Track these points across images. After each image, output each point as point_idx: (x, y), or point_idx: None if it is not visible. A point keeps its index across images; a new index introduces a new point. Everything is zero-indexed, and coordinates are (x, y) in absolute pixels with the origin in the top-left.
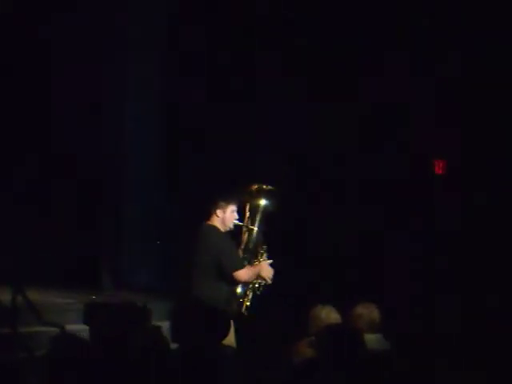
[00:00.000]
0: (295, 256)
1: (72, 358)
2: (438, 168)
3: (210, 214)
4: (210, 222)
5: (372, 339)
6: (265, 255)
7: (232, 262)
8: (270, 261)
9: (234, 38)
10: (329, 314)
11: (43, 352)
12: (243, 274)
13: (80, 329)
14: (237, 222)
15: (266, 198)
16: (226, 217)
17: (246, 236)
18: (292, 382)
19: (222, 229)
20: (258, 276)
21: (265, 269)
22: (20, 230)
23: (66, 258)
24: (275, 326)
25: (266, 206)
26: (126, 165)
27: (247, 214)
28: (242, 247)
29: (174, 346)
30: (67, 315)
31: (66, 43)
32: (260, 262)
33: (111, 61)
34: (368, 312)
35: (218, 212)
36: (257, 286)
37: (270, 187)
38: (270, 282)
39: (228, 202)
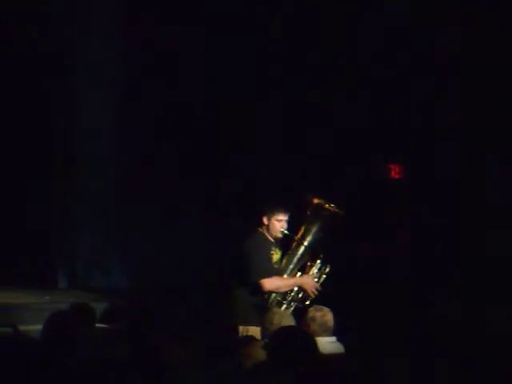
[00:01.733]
0: None
1: (23, 359)
2: (395, 173)
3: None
4: (259, 228)
5: (325, 342)
6: (314, 269)
7: (257, 268)
8: (314, 274)
9: None
10: (282, 318)
11: None
12: (268, 282)
13: (34, 329)
14: (285, 231)
15: (326, 217)
16: (271, 224)
17: (293, 247)
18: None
19: (270, 236)
20: (300, 288)
21: (306, 282)
22: None
23: (21, 258)
24: None
25: (321, 228)
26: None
27: (303, 226)
28: (285, 258)
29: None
30: (22, 315)
31: None
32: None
33: None
34: (321, 315)
35: (264, 219)
36: (300, 296)
37: (333, 207)
38: (312, 295)
39: (272, 210)
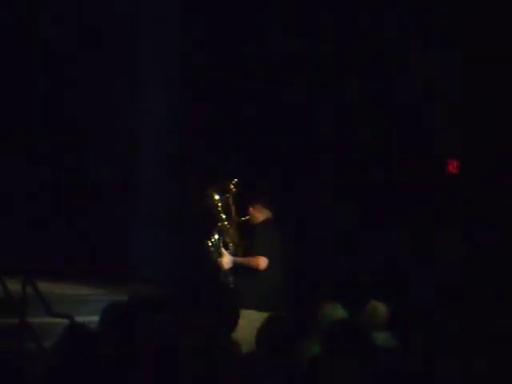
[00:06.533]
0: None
1: (80, 350)
2: (452, 167)
3: None
4: None
5: (379, 337)
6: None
7: None
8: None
9: None
10: (335, 311)
11: (51, 342)
12: None
13: (89, 321)
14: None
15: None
16: None
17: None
18: (299, 380)
19: None
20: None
21: None
22: (32, 223)
23: (77, 251)
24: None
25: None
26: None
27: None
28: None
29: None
30: (77, 307)
31: None
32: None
33: None
34: (375, 310)
35: None
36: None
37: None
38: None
39: None
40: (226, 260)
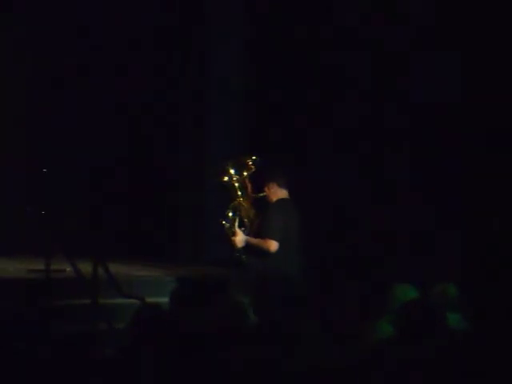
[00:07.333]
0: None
1: (151, 331)
2: None
3: None
4: None
5: (450, 318)
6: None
7: None
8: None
9: None
10: (406, 292)
11: (123, 324)
12: None
13: (160, 302)
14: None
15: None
16: None
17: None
18: (371, 360)
19: None
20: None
21: None
22: (103, 204)
23: (147, 232)
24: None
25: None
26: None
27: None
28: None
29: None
30: (148, 288)
31: None
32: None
33: None
34: (445, 291)
35: None
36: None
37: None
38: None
39: None
40: (240, 239)
